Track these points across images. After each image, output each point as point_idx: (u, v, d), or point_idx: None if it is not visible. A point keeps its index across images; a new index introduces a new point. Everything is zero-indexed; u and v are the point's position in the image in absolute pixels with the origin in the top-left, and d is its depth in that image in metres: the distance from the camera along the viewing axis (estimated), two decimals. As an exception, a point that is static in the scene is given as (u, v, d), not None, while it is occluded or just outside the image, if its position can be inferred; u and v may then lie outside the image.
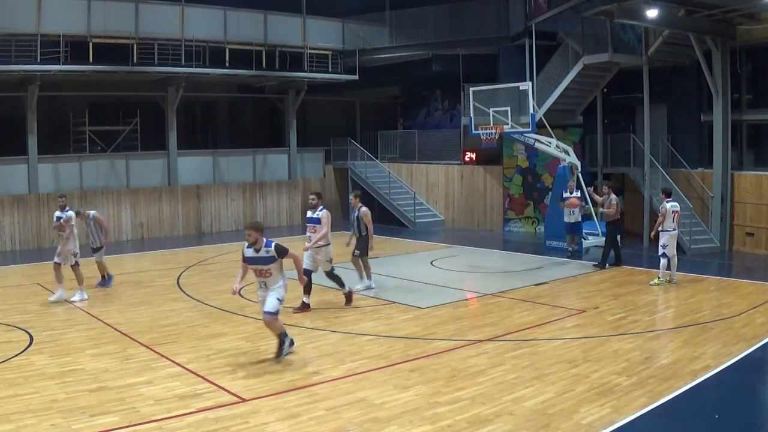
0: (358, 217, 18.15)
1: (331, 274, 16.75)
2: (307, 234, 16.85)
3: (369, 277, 18.69)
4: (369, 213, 18.21)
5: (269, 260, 12.12)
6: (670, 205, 18.99)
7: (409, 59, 34.29)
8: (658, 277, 18.80)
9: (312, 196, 17.01)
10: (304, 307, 16.16)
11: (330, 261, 16.64)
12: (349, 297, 16.87)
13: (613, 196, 21.59)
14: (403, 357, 12.51)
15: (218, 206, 32.39)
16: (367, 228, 17.99)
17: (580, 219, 23.46)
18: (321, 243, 16.39)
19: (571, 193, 23.26)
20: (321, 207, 16.68)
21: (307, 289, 16.08)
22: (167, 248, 26.98)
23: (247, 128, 38.56)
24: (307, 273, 15.76)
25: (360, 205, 18.23)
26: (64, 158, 28.73)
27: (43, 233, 27.65)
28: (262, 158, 34.02)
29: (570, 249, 23.87)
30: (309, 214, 16.88)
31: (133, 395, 10.58)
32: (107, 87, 30.55)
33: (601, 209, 22.34)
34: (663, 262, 18.69)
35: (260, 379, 11.34)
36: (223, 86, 35.46)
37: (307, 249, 16.40)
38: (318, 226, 16.40)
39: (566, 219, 23.58)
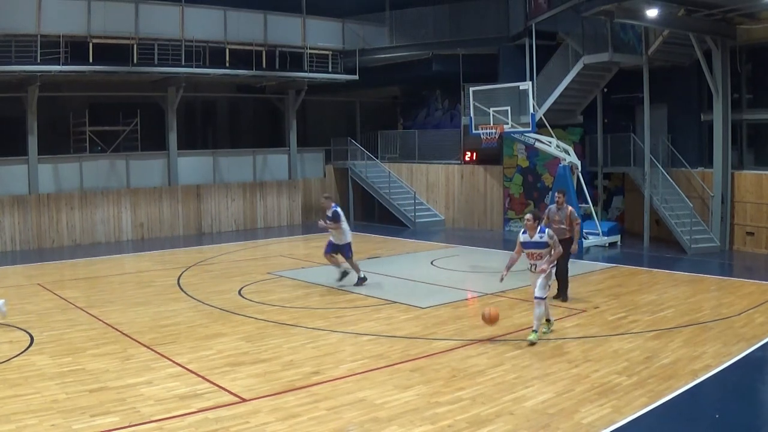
0: None
1: None
2: None
3: None
4: None
5: None
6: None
7: (409, 59, 34.30)
8: (547, 324, 14.22)
9: None
10: None
11: None
12: None
13: (570, 208, 17.22)
14: (404, 357, 12.52)
15: (218, 206, 32.39)
16: None
17: (348, 240, 19.03)
18: None
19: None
20: None
21: None
22: (167, 248, 26.98)
23: (248, 128, 38.54)
24: None
25: None
26: (64, 159, 28.71)
27: (44, 233, 27.69)
28: (262, 158, 34.00)
29: (340, 272, 19.31)
30: None
31: (133, 395, 10.58)
32: (107, 87, 30.57)
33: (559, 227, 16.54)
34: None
35: (260, 379, 11.34)
36: (223, 86, 35.47)
37: None
38: None
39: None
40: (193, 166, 31.90)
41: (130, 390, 10.83)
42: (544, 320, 13.83)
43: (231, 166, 33.05)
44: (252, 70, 31.00)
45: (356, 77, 33.54)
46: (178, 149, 31.26)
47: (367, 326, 14.83)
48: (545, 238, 13.55)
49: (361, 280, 19.00)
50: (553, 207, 17.23)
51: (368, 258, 24.10)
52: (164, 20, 28.97)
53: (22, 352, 12.89)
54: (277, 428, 9.38)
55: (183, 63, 29.01)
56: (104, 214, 29.13)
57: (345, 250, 19.00)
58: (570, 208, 17.10)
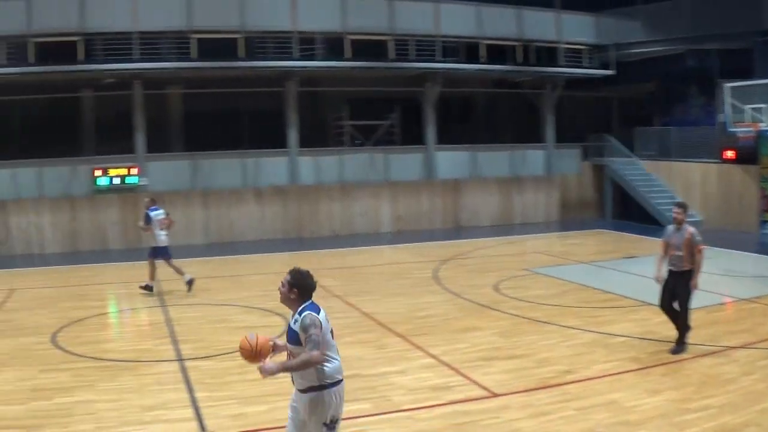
0: None
1: None
2: None
3: None
4: None
5: None
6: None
7: (663, 54, 33.47)
8: None
9: None
10: None
11: None
12: None
13: (691, 229, 12.80)
14: (656, 360, 12.25)
15: (476, 201, 32.70)
16: None
17: (161, 244, 18.36)
18: None
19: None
20: None
21: None
22: (424, 241, 27.45)
23: (505, 123, 38.53)
24: None
25: None
26: (324, 152, 29.97)
27: (304, 223, 29.28)
28: (519, 153, 33.94)
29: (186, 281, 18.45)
30: None
31: (385, 384, 10.93)
32: (365, 83, 31.41)
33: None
34: None
35: (513, 375, 11.44)
36: (480, 81, 35.67)
37: None
38: None
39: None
40: (450, 160, 32.26)
41: (382, 378, 11.20)
42: None
43: (488, 160, 33.17)
44: (507, 65, 31.06)
45: (613, 72, 33.02)
46: (436, 144, 31.78)
47: (621, 327, 14.55)
48: (297, 327, 7.17)
49: (147, 288, 18.14)
50: (670, 227, 13.08)
51: (624, 257, 23.62)
52: (419, 16, 29.65)
53: (278, 337, 13.48)
54: (526, 425, 9.44)
55: (438, 58, 29.45)
56: (363, 206, 30.06)
57: (163, 253, 18.34)
58: (691, 229, 12.72)
